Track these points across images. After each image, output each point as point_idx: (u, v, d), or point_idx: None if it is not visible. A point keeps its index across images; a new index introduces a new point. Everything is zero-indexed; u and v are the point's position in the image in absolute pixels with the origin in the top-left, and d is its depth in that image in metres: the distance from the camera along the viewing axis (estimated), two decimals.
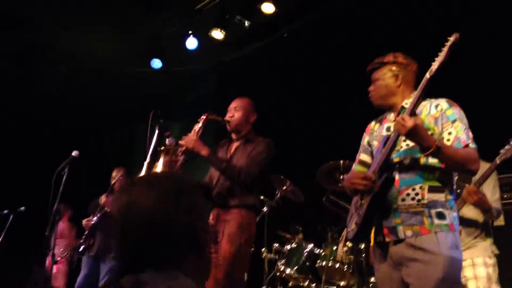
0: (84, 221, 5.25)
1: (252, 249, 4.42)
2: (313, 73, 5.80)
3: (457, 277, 2.20)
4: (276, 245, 4.64)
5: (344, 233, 4.04)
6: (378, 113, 2.62)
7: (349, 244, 4.05)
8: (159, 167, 3.27)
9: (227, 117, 3.46)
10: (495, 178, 3.24)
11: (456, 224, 2.26)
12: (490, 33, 4.38)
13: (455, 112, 2.30)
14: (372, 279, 3.95)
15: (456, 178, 3.14)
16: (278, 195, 4.53)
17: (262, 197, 4.21)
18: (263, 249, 4.47)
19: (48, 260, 5.81)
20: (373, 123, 2.64)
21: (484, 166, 3.08)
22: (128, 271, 1.12)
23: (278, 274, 4.48)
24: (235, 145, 3.49)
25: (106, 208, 4.96)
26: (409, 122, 2.12)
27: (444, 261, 2.14)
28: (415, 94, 2.27)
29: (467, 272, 3.10)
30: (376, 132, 2.56)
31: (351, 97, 5.07)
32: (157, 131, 3.38)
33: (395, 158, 2.35)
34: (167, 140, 3.34)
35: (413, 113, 2.24)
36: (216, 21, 5.85)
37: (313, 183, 4.21)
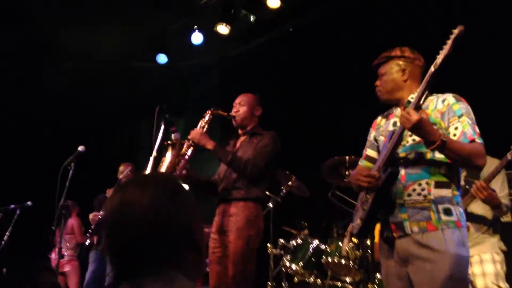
0: (90, 216, 5.27)
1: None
2: (318, 68, 5.77)
3: (464, 275, 2.18)
4: (281, 240, 4.63)
5: (349, 228, 4.03)
6: (384, 108, 2.61)
7: (354, 239, 4.04)
8: (166, 161, 3.29)
9: (232, 113, 3.47)
10: (503, 174, 3.21)
11: (463, 220, 2.25)
12: (498, 25, 4.34)
13: (462, 107, 2.28)
14: (378, 275, 3.95)
15: (464, 174, 3.14)
16: (284, 191, 4.52)
17: (267, 193, 4.21)
18: (269, 245, 4.47)
19: (54, 254, 5.85)
20: (379, 118, 2.62)
21: (491, 162, 3.07)
22: (126, 277, 1.10)
23: (283, 269, 4.48)
24: (241, 139, 3.50)
25: None
26: (414, 116, 2.10)
27: (451, 259, 2.13)
28: (420, 87, 2.26)
29: (474, 269, 3.08)
30: (383, 127, 2.54)
31: (356, 92, 5.06)
32: (162, 126, 3.39)
33: (401, 153, 2.34)
34: (172, 135, 3.35)
35: (418, 107, 2.22)
36: (221, 15, 5.84)
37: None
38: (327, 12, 5.75)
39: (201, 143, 3.27)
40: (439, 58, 2.19)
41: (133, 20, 6.09)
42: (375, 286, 3.93)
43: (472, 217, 3.16)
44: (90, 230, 5.25)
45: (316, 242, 4.40)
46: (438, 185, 2.25)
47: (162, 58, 6.46)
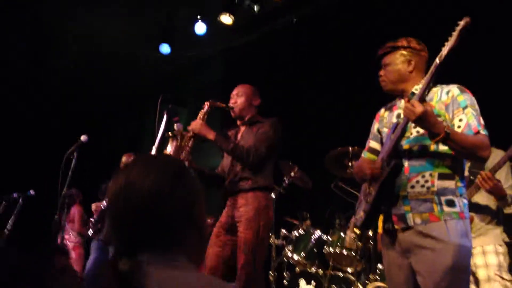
0: (93, 205, 5.28)
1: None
2: (322, 59, 5.75)
3: (466, 265, 2.18)
4: (283, 231, 4.65)
5: (352, 220, 4.04)
6: (387, 98, 2.59)
7: (357, 230, 4.04)
8: (168, 153, 3.28)
9: (230, 104, 3.47)
10: (508, 165, 3.20)
11: (466, 212, 2.24)
12: (504, 16, 4.30)
13: (467, 98, 2.27)
14: (380, 266, 3.96)
15: (469, 165, 3.13)
16: (286, 181, 4.52)
17: None
18: (271, 235, 4.48)
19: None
20: (382, 110, 2.61)
21: (496, 153, 3.06)
22: (124, 254, 1.11)
23: (285, 260, 4.50)
24: (241, 130, 3.49)
25: None
26: (419, 108, 2.09)
27: (454, 249, 2.13)
28: (425, 79, 2.24)
29: (477, 260, 3.08)
30: (386, 119, 2.53)
31: (360, 83, 5.04)
32: (165, 116, 3.39)
33: (405, 145, 2.33)
34: (175, 125, 3.35)
35: (422, 98, 2.21)
36: (225, 5, 5.81)
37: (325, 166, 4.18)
38: (331, 2, 5.72)
39: (202, 134, 3.26)
40: (445, 50, 2.17)
41: (137, 10, 6.07)
42: (377, 276, 3.95)
43: (476, 208, 3.15)
44: (92, 220, 5.27)
45: (318, 232, 4.41)
46: (442, 176, 2.24)
47: (165, 48, 6.45)
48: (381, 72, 2.48)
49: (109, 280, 1.06)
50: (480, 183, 2.96)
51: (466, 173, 3.15)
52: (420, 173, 2.26)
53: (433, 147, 2.27)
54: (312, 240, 4.40)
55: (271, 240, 4.45)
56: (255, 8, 5.83)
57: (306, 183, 4.59)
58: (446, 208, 2.20)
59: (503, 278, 3.01)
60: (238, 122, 3.53)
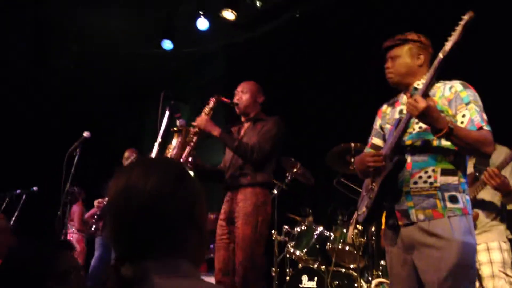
0: (96, 202, 5.29)
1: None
2: (324, 55, 5.74)
3: (470, 262, 2.17)
4: (286, 227, 4.65)
5: (354, 216, 4.03)
6: (389, 94, 2.58)
7: (359, 226, 4.04)
8: (172, 148, 3.29)
9: (234, 100, 3.47)
10: None
11: (469, 208, 2.24)
12: (507, 10, 4.28)
13: (470, 94, 2.26)
14: (383, 262, 3.96)
15: (474, 161, 3.12)
16: (289, 178, 4.52)
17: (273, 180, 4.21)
18: (273, 231, 4.48)
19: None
20: (384, 106, 2.59)
21: (500, 150, 3.05)
22: (127, 259, 1.09)
23: (287, 256, 4.50)
24: (245, 127, 3.50)
25: None
26: (422, 103, 2.08)
27: (458, 247, 2.12)
28: (428, 74, 2.23)
29: (481, 257, 3.07)
30: (389, 115, 2.52)
31: (363, 79, 5.03)
32: (167, 112, 3.39)
33: (408, 140, 2.32)
34: (177, 121, 3.36)
35: (426, 94, 2.20)
36: (227, 1, 5.79)
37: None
38: None
39: (207, 130, 3.27)
40: (448, 45, 2.15)
41: (139, 5, 6.06)
42: (379, 272, 3.94)
43: (481, 204, 3.14)
44: (95, 216, 5.28)
45: (320, 228, 4.41)
46: (445, 172, 2.23)
47: (167, 44, 6.44)
48: (389, 64, 2.43)
49: (113, 283, 1.06)
50: (487, 179, 2.94)
51: (471, 170, 3.15)
52: (423, 169, 2.25)
53: (436, 142, 2.26)
54: (315, 236, 4.39)
55: (274, 236, 4.45)
56: (258, 4, 5.82)
57: (309, 180, 4.59)
58: (449, 204, 2.19)
59: (507, 275, 3.00)
60: (242, 119, 3.54)
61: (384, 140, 2.51)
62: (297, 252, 4.35)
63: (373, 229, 4.02)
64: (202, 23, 6.16)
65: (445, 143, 2.23)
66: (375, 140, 2.57)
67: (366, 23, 5.27)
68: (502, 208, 3.19)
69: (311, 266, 4.28)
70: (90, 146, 3.95)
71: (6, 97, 6.92)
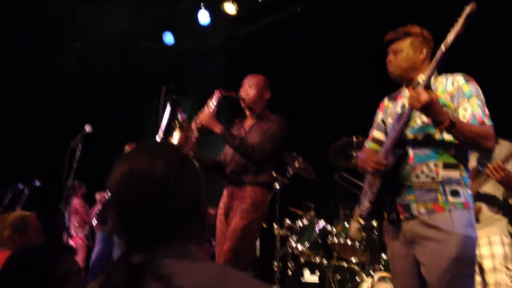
0: (97, 196, 5.31)
1: (264, 225, 4.46)
2: (326, 49, 5.72)
3: (471, 256, 2.17)
4: (287, 221, 4.65)
5: (357, 210, 4.03)
6: (391, 88, 2.56)
7: (361, 221, 4.04)
8: (173, 142, 3.28)
9: (240, 94, 3.44)
10: None
11: (470, 202, 2.23)
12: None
13: (472, 88, 2.24)
14: (384, 256, 3.96)
15: (477, 155, 3.11)
16: (290, 172, 4.52)
17: (274, 174, 4.21)
18: (275, 226, 4.49)
19: (64, 236, 5.91)
20: (386, 100, 2.58)
21: (503, 145, 3.04)
22: (137, 247, 1.09)
23: (289, 250, 4.51)
24: (249, 123, 3.48)
25: None
26: (424, 96, 2.07)
27: (459, 240, 2.11)
28: (430, 66, 2.21)
29: (483, 250, 3.07)
30: (391, 110, 2.50)
31: (364, 73, 5.01)
32: (169, 107, 3.38)
33: (410, 134, 2.31)
34: (179, 115, 3.34)
35: (428, 86, 2.18)
36: None
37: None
38: None
39: (209, 126, 3.25)
40: (450, 37, 2.13)
41: (139, 2, 6.04)
42: (381, 267, 3.95)
43: (484, 198, 3.14)
44: (97, 210, 5.30)
45: (322, 223, 4.41)
46: (447, 166, 2.22)
47: (169, 39, 6.42)
48: (391, 58, 2.41)
49: (122, 276, 1.04)
50: (491, 172, 2.93)
51: (475, 164, 3.14)
52: (424, 163, 2.24)
53: (437, 136, 2.25)
54: (316, 230, 4.40)
55: (276, 231, 4.46)
56: None
57: (310, 174, 4.59)
58: (451, 198, 2.19)
59: (508, 269, 3.00)
60: (247, 113, 3.52)
61: (386, 133, 2.49)
62: (299, 247, 4.36)
63: (374, 223, 4.02)
64: (203, 18, 6.15)
65: (447, 137, 2.23)
66: (376, 134, 2.55)
67: (367, 17, 5.25)
68: (504, 202, 3.18)
69: (313, 260, 4.28)
70: (91, 141, 3.95)
71: (6, 96, 6.93)
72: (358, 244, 4.06)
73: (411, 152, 2.28)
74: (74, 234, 6.20)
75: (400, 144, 2.28)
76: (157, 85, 3.37)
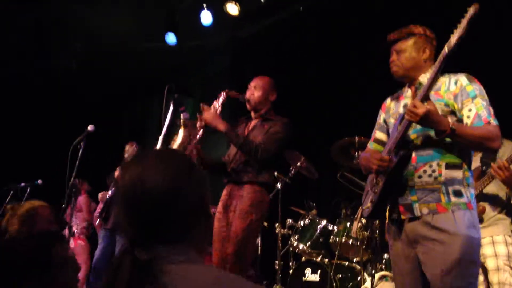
0: (100, 195, 5.31)
1: (266, 224, 4.47)
2: (329, 49, 5.72)
3: (474, 257, 2.17)
4: (289, 220, 4.66)
5: (359, 210, 4.04)
6: (394, 88, 2.57)
7: (363, 220, 4.04)
8: (178, 140, 3.28)
9: (246, 95, 3.46)
10: None
11: (473, 202, 2.23)
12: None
13: (475, 88, 2.24)
14: (386, 256, 3.96)
15: (480, 155, 3.11)
16: (293, 171, 4.52)
17: (276, 173, 4.22)
18: (277, 225, 4.49)
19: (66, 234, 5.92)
20: (388, 100, 2.58)
21: (508, 145, 3.04)
22: (140, 245, 1.12)
23: (291, 249, 4.52)
24: (253, 123, 3.49)
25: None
26: (421, 109, 2.08)
27: (462, 241, 2.11)
28: (433, 68, 2.21)
29: (486, 250, 3.07)
30: (393, 110, 2.50)
31: (367, 72, 5.02)
32: (171, 106, 3.38)
33: (412, 134, 2.31)
34: (181, 115, 3.34)
35: (425, 97, 2.18)
36: None
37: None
38: None
39: (213, 124, 3.26)
40: (454, 38, 2.13)
41: (140, 1, 6.05)
42: (383, 266, 3.95)
43: (487, 198, 3.14)
44: (99, 209, 5.30)
45: (324, 222, 4.41)
46: (449, 166, 2.22)
47: (171, 38, 6.43)
48: (394, 58, 2.41)
49: (126, 271, 1.07)
50: (496, 172, 2.92)
51: (478, 164, 3.14)
52: (427, 163, 2.24)
53: None
54: (318, 229, 4.40)
55: (277, 230, 4.46)
56: None
57: (313, 174, 4.59)
58: (454, 199, 2.19)
59: None
60: (252, 114, 3.53)
61: (388, 134, 2.50)
62: (301, 246, 4.37)
63: (377, 222, 4.03)
64: (206, 18, 6.15)
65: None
66: (379, 134, 2.56)
67: (370, 17, 5.25)
68: (508, 202, 3.18)
69: (314, 259, 4.29)
70: (94, 139, 3.96)
71: (7, 96, 6.95)
72: (359, 243, 4.07)
73: (414, 152, 2.28)
74: (77, 234, 6.20)
75: (403, 144, 2.28)
76: (160, 85, 3.37)
